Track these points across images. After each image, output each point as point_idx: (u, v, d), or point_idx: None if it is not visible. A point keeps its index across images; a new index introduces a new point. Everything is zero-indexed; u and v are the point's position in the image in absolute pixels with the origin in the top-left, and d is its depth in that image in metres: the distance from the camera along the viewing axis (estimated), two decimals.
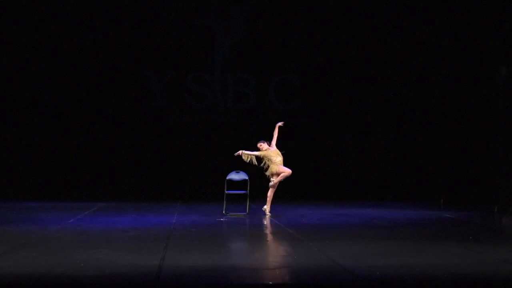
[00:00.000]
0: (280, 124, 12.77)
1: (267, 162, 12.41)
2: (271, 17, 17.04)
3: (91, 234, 9.75)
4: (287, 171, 12.38)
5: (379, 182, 16.71)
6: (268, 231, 10.62)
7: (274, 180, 12.40)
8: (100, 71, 16.51)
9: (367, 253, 8.24)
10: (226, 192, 12.64)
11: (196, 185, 16.27)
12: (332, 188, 16.39)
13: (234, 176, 12.86)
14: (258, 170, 12.67)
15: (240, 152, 12.40)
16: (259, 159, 12.48)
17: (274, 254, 8.73)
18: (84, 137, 16.51)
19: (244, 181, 12.76)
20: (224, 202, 12.61)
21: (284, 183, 12.67)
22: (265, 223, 11.50)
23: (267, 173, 12.43)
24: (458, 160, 16.08)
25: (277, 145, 12.60)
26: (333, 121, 17.09)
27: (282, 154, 12.48)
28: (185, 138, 16.84)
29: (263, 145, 12.50)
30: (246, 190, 12.62)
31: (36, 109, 16.37)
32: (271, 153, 12.43)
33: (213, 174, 14.85)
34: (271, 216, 12.20)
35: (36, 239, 9.14)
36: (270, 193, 12.54)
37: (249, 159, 12.43)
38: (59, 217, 11.65)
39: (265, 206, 12.53)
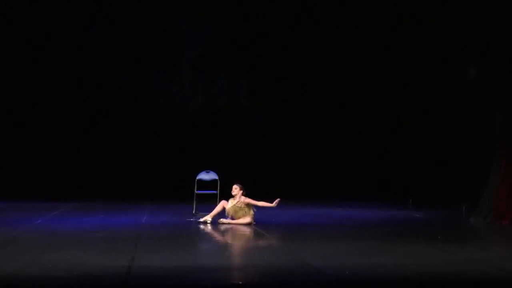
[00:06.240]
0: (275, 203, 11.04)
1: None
2: (240, 17, 17.01)
3: (60, 235, 9.66)
4: (242, 221, 11.02)
5: (348, 182, 16.74)
6: (238, 231, 10.59)
7: (225, 221, 11.07)
8: (67, 70, 16.38)
9: (337, 253, 8.28)
10: (196, 192, 12.60)
11: (166, 185, 16.17)
12: (302, 188, 16.40)
13: (204, 176, 12.82)
14: (228, 170, 12.66)
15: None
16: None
17: (244, 254, 8.74)
18: (52, 136, 16.32)
19: (214, 181, 12.73)
20: (194, 202, 12.56)
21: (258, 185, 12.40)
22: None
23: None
24: (427, 160, 16.17)
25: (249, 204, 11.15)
26: (301, 121, 17.11)
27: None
28: (155, 138, 16.75)
29: (236, 190, 11.08)
30: (216, 190, 12.56)
31: None
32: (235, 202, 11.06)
33: (183, 174, 14.78)
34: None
35: (4, 239, 9.03)
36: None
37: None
38: (27, 218, 11.50)
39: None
